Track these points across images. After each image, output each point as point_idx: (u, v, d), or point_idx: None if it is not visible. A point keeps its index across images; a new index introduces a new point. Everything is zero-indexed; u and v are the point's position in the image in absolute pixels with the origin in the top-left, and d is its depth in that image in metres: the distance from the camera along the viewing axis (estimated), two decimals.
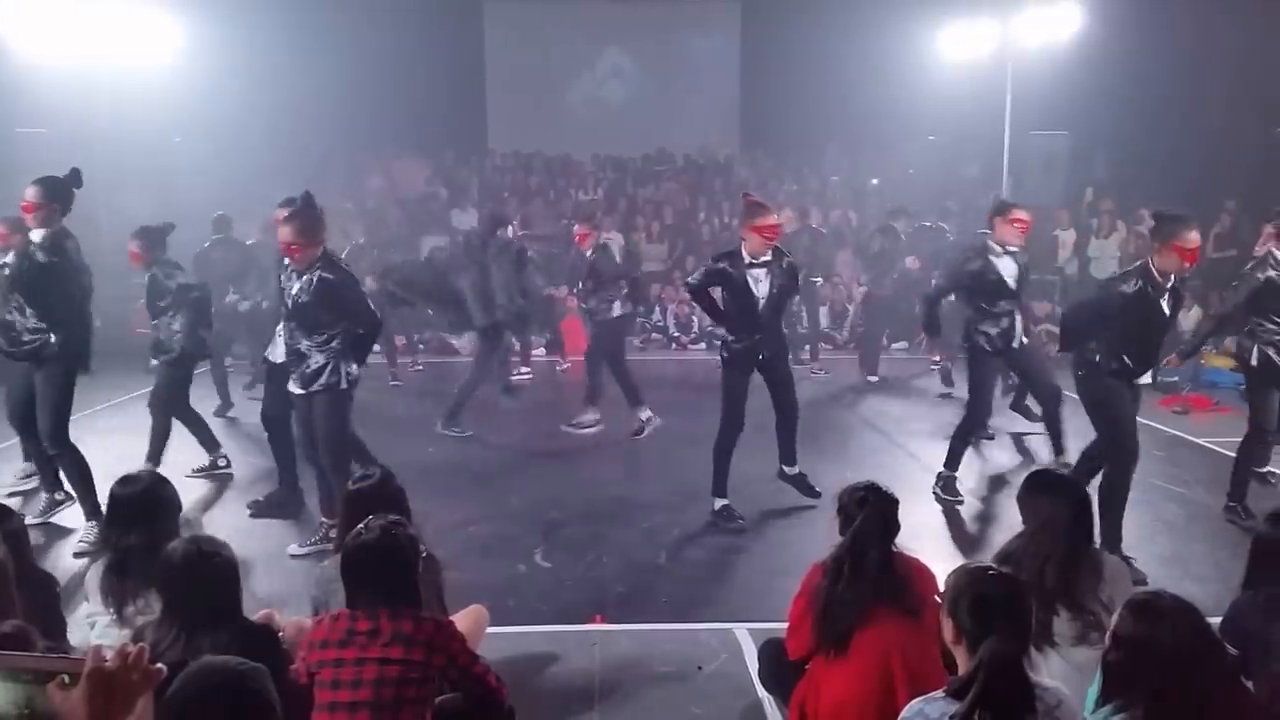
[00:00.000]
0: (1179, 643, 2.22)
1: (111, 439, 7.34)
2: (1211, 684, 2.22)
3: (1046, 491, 3.18)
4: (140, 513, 3.19)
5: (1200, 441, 7.32)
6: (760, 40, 16.50)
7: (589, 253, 7.88)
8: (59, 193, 5.11)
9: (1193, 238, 4.78)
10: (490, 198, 14.50)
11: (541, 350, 11.36)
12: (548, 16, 16.68)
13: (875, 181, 14.56)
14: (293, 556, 5.21)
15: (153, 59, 11.02)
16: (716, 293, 5.75)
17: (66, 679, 1.44)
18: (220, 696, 1.97)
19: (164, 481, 3.33)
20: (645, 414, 7.71)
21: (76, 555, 5.16)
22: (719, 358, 5.90)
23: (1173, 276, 4.83)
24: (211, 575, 2.76)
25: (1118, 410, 4.97)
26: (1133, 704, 2.23)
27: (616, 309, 7.86)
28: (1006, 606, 2.32)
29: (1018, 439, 7.61)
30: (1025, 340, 6.39)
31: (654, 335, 12.24)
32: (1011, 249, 6.09)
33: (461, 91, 16.57)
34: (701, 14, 17.19)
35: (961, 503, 6.14)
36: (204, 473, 6.70)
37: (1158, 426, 7.58)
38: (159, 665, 1.50)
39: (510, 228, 8.25)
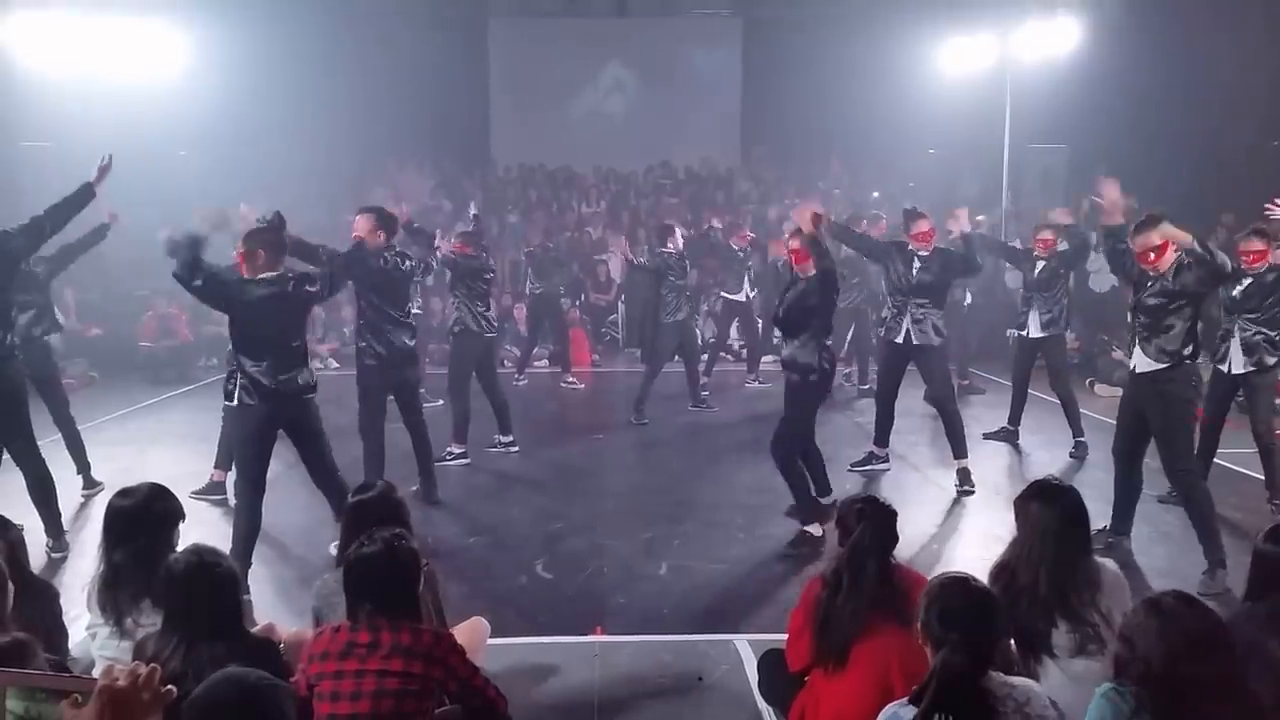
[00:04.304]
0: (1173, 636, 2.28)
1: (117, 450, 7.37)
2: (1207, 680, 2.26)
3: (1036, 499, 3.17)
4: (137, 526, 3.17)
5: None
6: (762, 54, 16.59)
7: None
8: None
9: (1134, 241, 5.04)
10: (493, 210, 14.55)
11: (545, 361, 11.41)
12: (551, 31, 16.80)
13: (876, 194, 14.60)
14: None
15: (158, 73, 11.06)
16: None
17: (79, 697, 1.46)
18: (235, 710, 1.97)
19: (163, 494, 3.29)
20: None
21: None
22: None
23: (1183, 272, 4.97)
24: (212, 586, 2.76)
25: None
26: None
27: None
28: (967, 618, 2.36)
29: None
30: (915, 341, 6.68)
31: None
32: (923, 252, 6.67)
33: (465, 105, 16.68)
34: (703, 29, 17.30)
35: (972, 493, 6.48)
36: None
37: None
38: (170, 687, 1.52)
39: None
